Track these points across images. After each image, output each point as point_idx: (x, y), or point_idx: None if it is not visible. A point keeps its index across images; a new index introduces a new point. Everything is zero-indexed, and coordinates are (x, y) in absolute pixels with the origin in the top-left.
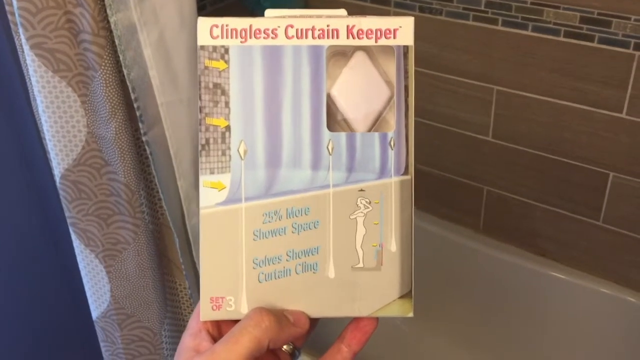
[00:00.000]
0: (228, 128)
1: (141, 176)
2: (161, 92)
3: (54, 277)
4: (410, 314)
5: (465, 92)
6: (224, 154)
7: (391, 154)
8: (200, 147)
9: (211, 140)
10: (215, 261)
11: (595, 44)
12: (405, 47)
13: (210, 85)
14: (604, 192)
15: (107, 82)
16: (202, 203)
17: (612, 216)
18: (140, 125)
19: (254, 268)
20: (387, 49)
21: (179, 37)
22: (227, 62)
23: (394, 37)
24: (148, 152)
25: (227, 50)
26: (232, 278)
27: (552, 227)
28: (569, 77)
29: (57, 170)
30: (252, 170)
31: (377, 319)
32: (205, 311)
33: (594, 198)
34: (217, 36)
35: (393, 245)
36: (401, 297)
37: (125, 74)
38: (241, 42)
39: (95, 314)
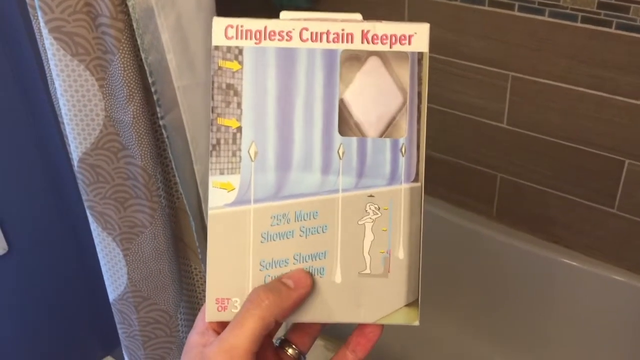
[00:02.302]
0: (239, 129)
1: (158, 160)
2: (178, 76)
3: (71, 259)
4: (416, 323)
5: (480, 78)
6: (234, 155)
7: (402, 160)
8: (210, 147)
9: (222, 141)
10: (222, 262)
11: (612, 30)
12: (420, 54)
13: (223, 86)
14: (619, 179)
15: (125, 65)
16: (210, 204)
17: (627, 203)
18: (158, 109)
19: (260, 270)
20: (402, 55)
21: (195, 21)
22: (240, 63)
23: (409, 43)
24: (165, 136)
25: (241, 51)
26: (238, 279)
27: (566, 214)
28: (586, 63)
29: (75, 153)
30: (261, 172)
31: (382, 326)
32: (210, 312)
33: (609, 185)
34: (232, 37)
35: (401, 253)
36: (407, 305)
37: (142, 57)
38: (255, 43)
39: (112, 296)
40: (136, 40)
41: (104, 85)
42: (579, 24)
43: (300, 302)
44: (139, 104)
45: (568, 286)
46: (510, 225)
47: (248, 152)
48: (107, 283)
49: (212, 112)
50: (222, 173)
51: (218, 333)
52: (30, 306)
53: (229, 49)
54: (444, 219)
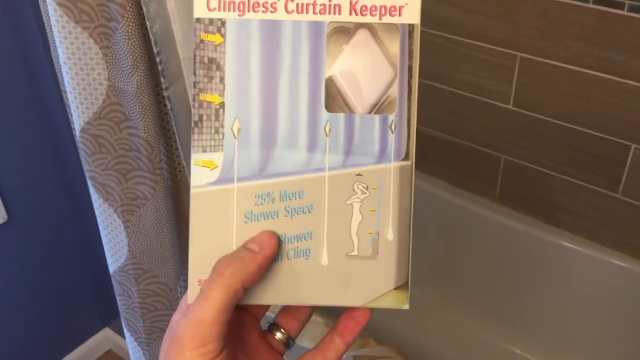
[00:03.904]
0: (222, 105)
1: (161, 132)
2: (183, 47)
3: (71, 230)
4: (406, 306)
5: (488, 58)
6: (217, 131)
7: (392, 137)
8: (192, 124)
9: (204, 117)
10: (205, 243)
11: (625, 12)
12: (411, 26)
13: (206, 60)
14: (625, 164)
15: (130, 34)
16: (193, 182)
17: (631, 189)
18: (162, 80)
19: None
20: (392, 27)
21: None
22: (223, 36)
23: (399, 15)
24: (169, 107)
25: (223, 24)
26: None
27: (570, 198)
28: (597, 45)
29: (77, 123)
30: (245, 150)
31: (371, 309)
32: (193, 294)
33: (614, 170)
34: (214, 8)
35: (390, 234)
36: (397, 288)
37: (148, 26)
38: (239, 15)
39: (112, 268)
40: (141, 9)
41: (108, 54)
42: (590, 5)
43: (267, 264)
44: (143, 74)
45: (570, 270)
46: (512, 207)
47: (231, 128)
48: (107, 254)
49: (194, 87)
50: (204, 151)
51: None
52: (28, 275)
53: (211, 21)
54: (446, 200)
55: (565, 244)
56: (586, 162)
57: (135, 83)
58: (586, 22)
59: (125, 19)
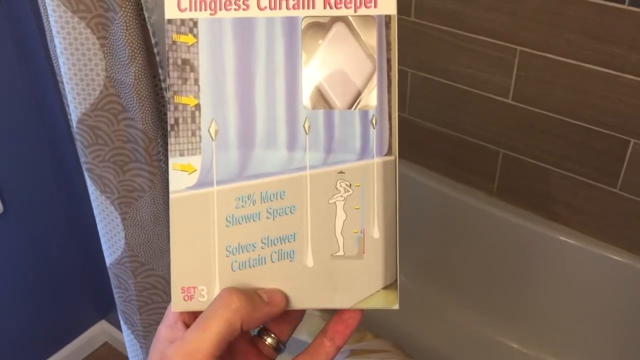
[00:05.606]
0: (198, 107)
1: (159, 124)
2: None
3: (68, 222)
4: (396, 306)
5: (487, 51)
6: (194, 134)
7: (373, 132)
8: (169, 128)
9: (180, 120)
10: (186, 249)
11: (625, 6)
12: (388, 17)
13: (179, 62)
14: (624, 159)
15: (128, 24)
16: (171, 187)
17: (629, 184)
18: (160, 71)
19: (227, 256)
20: (368, 19)
21: None
22: (196, 36)
23: (375, 6)
24: (166, 99)
25: (195, 24)
26: (204, 267)
27: (568, 192)
28: (597, 39)
29: (74, 114)
30: (224, 152)
31: (361, 310)
32: (176, 301)
33: (612, 165)
34: (185, 8)
35: (376, 232)
36: (385, 287)
37: (146, 17)
38: (210, 14)
39: (109, 260)
40: None
41: (105, 45)
42: None
43: (269, 319)
44: (141, 65)
45: (567, 264)
46: (510, 202)
47: (208, 130)
48: (104, 247)
49: (169, 89)
50: (182, 154)
51: (187, 325)
52: (25, 267)
53: (182, 21)
54: (443, 193)
55: (563, 238)
56: (585, 157)
57: (133, 74)
58: (586, 15)
59: (123, 9)
